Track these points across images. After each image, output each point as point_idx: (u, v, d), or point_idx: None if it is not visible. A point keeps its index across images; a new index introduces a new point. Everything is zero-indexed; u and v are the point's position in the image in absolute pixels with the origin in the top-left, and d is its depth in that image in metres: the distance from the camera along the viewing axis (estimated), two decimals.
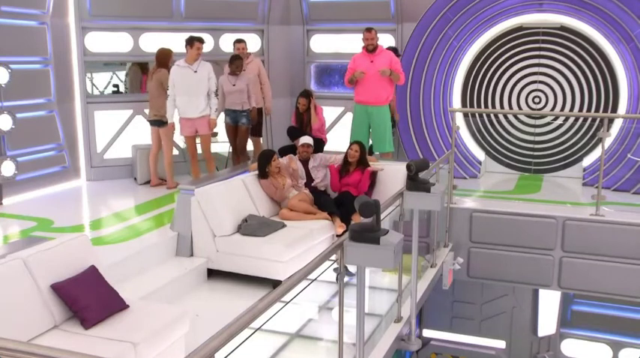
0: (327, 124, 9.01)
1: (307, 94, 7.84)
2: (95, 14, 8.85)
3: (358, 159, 6.90)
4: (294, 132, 7.73)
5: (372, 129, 7.96)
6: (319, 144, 7.60)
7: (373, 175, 6.99)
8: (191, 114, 7.66)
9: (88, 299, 4.00)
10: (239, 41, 8.85)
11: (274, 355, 4.74)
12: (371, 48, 7.80)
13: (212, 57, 10.08)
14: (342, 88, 9.85)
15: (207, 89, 7.64)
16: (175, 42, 9.63)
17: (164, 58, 8.28)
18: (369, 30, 7.81)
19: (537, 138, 9.44)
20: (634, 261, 6.76)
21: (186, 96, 7.59)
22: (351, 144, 7.07)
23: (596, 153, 8.98)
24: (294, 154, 7.19)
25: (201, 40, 7.70)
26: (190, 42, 7.63)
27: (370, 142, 8.26)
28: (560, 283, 7.15)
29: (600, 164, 7.19)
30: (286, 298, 2.98)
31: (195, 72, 7.55)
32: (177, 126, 7.95)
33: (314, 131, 7.71)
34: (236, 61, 8.16)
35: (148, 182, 8.60)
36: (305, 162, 7.05)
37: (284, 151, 7.56)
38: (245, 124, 8.26)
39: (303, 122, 7.76)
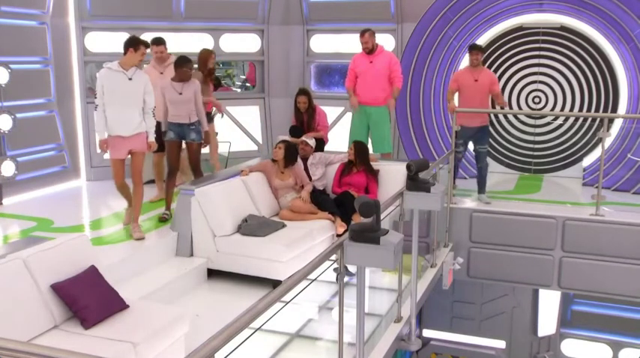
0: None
1: (306, 92, 7.81)
2: (95, 14, 8.86)
3: (361, 161, 6.91)
4: (296, 131, 7.67)
5: (371, 130, 7.96)
6: (320, 144, 7.59)
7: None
8: (124, 130, 5.90)
9: (88, 299, 4.00)
10: (158, 42, 7.55)
11: (274, 355, 4.75)
12: (367, 50, 7.78)
13: None
14: (342, 88, 9.85)
15: (142, 104, 5.98)
16: (175, 42, 9.65)
17: (204, 60, 7.76)
18: (362, 34, 7.72)
19: (537, 138, 9.45)
20: (634, 261, 6.77)
21: (118, 108, 5.85)
22: (353, 144, 7.07)
23: (596, 153, 8.98)
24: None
25: (147, 45, 6.13)
26: (134, 44, 5.93)
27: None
28: (560, 283, 7.15)
29: (600, 164, 7.19)
30: (286, 298, 2.98)
31: (130, 79, 5.85)
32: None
33: (315, 129, 7.69)
34: (185, 65, 6.66)
35: (148, 182, 8.54)
36: (304, 160, 7.08)
37: (294, 131, 7.57)
38: (196, 140, 6.88)
39: (303, 121, 7.72)
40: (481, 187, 7.77)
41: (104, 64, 5.96)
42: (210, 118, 7.67)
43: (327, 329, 5.22)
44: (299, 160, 6.96)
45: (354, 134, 7.99)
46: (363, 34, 7.71)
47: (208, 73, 7.78)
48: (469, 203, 7.64)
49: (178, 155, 6.91)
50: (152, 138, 6.10)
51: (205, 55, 7.80)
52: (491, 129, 9.48)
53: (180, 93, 6.65)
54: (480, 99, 7.71)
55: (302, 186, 6.70)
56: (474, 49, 7.70)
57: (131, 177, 6.14)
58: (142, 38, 6.14)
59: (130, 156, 6.08)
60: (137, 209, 6.17)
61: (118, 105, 5.83)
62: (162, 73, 7.43)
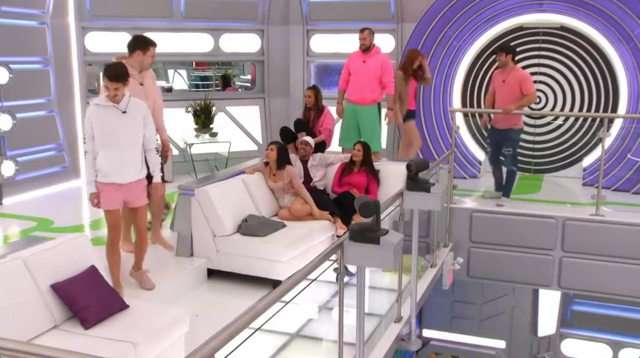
0: None
1: (314, 87, 7.80)
2: (95, 14, 8.86)
3: (362, 160, 6.90)
4: (299, 125, 7.66)
5: (361, 129, 8.00)
6: (320, 145, 7.58)
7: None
8: (122, 177, 4.79)
9: (88, 299, 4.00)
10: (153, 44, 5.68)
11: (274, 355, 4.75)
12: (364, 48, 7.80)
13: (212, 57, 10.12)
14: None
15: (142, 140, 4.85)
16: (175, 42, 9.66)
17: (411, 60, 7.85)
18: (362, 30, 7.80)
19: (537, 138, 9.45)
20: (634, 261, 6.77)
21: (113, 151, 4.72)
22: (354, 144, 7.06)
23: (596, 153, 8.97)
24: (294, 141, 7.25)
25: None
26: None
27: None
28: (560, 283, 7.15)
29: (600, 164, 7.19)
30: (286, 298, 2.98)
31: (125, 113, 4.70)
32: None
33: (317, 130, 7.66)
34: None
35: None
36: (304, 161, 7.05)
37: (284, 133, 7.54)
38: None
39: (309, 119, 7.70)
40: (505, 190, 7.66)
41: (90, 100, 4.97)
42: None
43: (327, 329, 5.23)
44: (297, 162, 6.95)
45: (344, 133, 8.02)
46: (362, 30, 7.77)
47: None
48: (469, 203, 7.64)
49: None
50: (158, 178, 5.11)
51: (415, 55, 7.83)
52: (482, 130, 9.49)
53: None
54: (507, 100, 7.38)
55: (293, 189, 6.56)
56: (495, 51, 7.69)
57: (135, 233, 5.14)
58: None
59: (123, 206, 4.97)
60: (142, 257, 5.20)
61: (114, 149, 4.72)
62: (142, 84, 5.56)
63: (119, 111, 4.68)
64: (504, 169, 7.73)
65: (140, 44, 5.41)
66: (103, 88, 4.74)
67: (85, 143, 4.92)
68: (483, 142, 9.56)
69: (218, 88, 12.12)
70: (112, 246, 4.91)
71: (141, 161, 4.86)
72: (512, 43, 9.30)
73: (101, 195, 4.77)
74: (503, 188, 7.71)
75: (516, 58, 9.30)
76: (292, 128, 7.67)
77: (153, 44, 5.47)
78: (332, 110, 8.05)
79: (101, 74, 4.97)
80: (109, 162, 4.72)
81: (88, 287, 4.09)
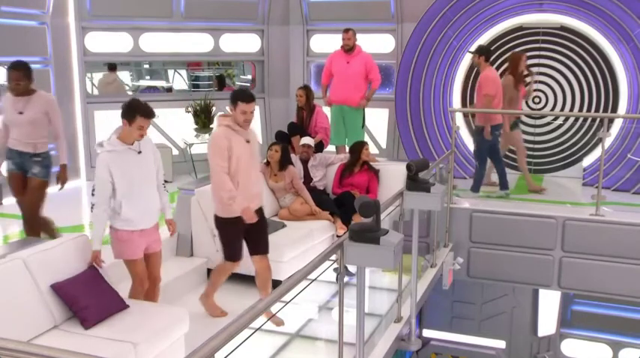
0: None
1: (306, 87, 7.87)
2: (95, 14, 8.85)
3: (365, 160, 6.95)
4: (293, 129, 7.69)
5: (346, 127, 8.07)
6: (319, 145, 7.59)
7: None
8: (148, 222, 4.49)
9: (88, 299, 4.00)
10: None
11: (274, 355, 4.75)
12: (347, 48, 7.93)
13: (212, 57, 10.11)
14: None
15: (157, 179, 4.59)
16: (175, 42, 9.66)
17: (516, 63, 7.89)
18: (346, 30, 7.93)
19: (537, 138, 9.44)
20: (634, 261, 6.76)
21: (136, 197, 4.38)
22: (363, 144, 7.06)
23: (596, 153, 8.97)
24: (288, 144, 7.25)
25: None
26: (125, 116, 4.28)
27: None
28: (560, 283, 7.14)
29: (600, 164, 7.19)
30: (286, 298, 2.98)
31: (140, 153, 4.40)
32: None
33: (312, 130, 7.68)
34: (20, 69, 5.06)
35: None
36: (304, 162, 7.06)
37: (279, 136, 7.60)
38: (39, 176, 5.48)
39: (302, 119, 7.74)
40: (474, 186, 7.96)
41: (98, 147, 4.34)
42: None
43: (327, 329, 5.22)
44: (298, 162, 6.95)
45: (334, 132, 8.08)
46: (347, 31, 7.93)
47: None
48: (469, 203, 7.64)
49: (24, 188, 5.54)
50: (170, 215, 4.78)
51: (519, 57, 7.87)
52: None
53: (21, 113, 5.01)
54: (477, 101, 7.91)
55: (294, 189, 6.60)
56: (470, 52, 8.03)
57: (149, 280, 4.63)
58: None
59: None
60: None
61: (137, 194, 4.36)
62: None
63: (135, 153, 4.36)
64: (494, 165, 8.06)
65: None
66: (117, 131, 4.33)
67: (93, 195, 4.34)
68: None
69: (211, 89, 12.09)
70: (139, 296, 4.55)
71: (158, 204, 4.58)
72: (512, 43, 9.33)
73: (126, 244, 4.38)
74: (473, 185, 7.97)
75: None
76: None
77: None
78: (326, 109, 8.12)
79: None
80: (134, 208, 4.35)
81: (89, 288, 4.09)
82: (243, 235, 4.97)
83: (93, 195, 4.41)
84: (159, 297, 4.75)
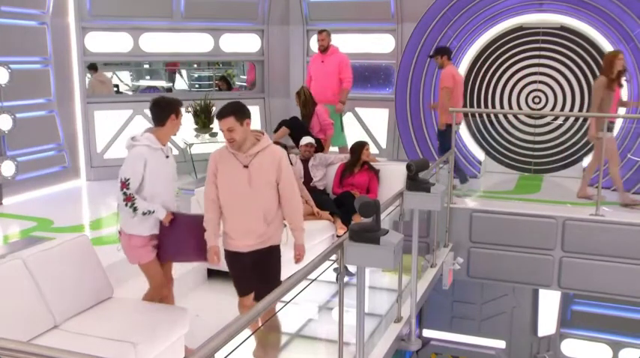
0: None
1: (299, 91, 7.85)
2: (95, 14, 8.86)
3: (365, 160, 6.95)
4: (295, 123, 7.68)
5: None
6: (319, 144, 7.58)
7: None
8: (158, 228, 4.43)
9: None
10: None
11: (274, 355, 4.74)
12: (322, 49, 8.29)
13: (212, 57, 10.11)
14: None
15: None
16: (175, 42, 9.66)
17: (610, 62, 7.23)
18: (320, 32, 8.31)
19: (537, 138, 9.44)
20: (634, 261, 6.76)
21: (163, 198, 4.37)
22: (363, 144, 7.05)
23: None
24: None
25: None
26: (176, 108, 4.39)
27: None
28: (560, 283, 7.14)
29: (600, 164, 7.19)
30: (286, 298, 2.98)
31: (167, 157, 4.41)
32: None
33: (319, 128, 7.67)
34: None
35: None
36: (305, 161, 7.06)
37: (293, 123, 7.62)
38: None
39: (304, 115, 7.73)
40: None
41: (132, 141, 4.24)
42: None
43: (327, 329, 5.22)
44: (298, 162, 6.95)
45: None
46: (321, 32, 8.30)
47: None
48: (469, 203, 7.64)
49: None
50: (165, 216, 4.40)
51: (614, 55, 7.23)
52: (491, 129, 9.52)
53: None
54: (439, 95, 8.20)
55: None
56: (430, 55, 8.33)
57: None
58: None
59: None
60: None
61: (157, 196, 4.30)
62: None
63: (164, 156, 4.30)
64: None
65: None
66: (150, 130, 4.28)
67: (128, 187, 4.15)
68: (483, 142, 9.57)
69: (211, 89, 12.08)
70: (157, 298, 4.51)
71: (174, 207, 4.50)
72: (512, 43, 9.32)
73: (143, 249, 4.31)
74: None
75: (516, 59, 9.36)
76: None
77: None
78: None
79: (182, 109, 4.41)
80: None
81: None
82: (247, 272, 4.22)
83: (126, 187, 4.14)
84: (174, 299, 4.64)
